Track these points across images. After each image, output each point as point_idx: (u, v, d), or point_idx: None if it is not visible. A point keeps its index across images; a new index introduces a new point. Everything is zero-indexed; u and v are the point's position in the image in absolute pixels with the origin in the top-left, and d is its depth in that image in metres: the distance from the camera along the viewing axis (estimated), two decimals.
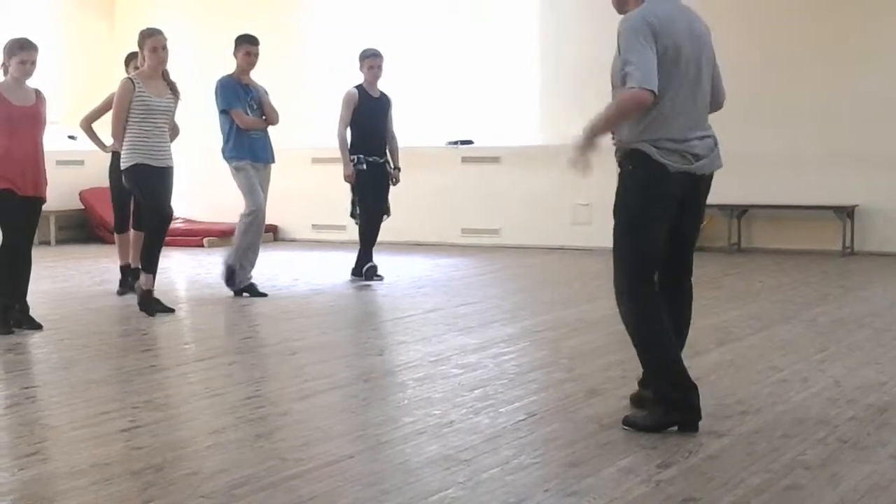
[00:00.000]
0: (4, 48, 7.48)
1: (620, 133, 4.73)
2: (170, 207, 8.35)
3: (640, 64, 4.49)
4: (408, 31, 13.86)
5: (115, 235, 9.70)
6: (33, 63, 7.47)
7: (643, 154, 4.63)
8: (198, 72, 12.68)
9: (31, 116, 7.48)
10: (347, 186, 10.05)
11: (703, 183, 4.81)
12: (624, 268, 4.75)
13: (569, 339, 7.12)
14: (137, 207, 8.88)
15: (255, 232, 9.10)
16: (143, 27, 8.44)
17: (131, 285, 9.18)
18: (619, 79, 4.58)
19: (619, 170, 4.79)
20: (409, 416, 5.10)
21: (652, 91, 4.48)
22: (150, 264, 8.23)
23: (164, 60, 8.18)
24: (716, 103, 4.91)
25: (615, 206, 4.80)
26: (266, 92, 9.33)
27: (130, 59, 9.30)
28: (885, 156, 11.65)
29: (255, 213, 9.02)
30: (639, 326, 4.71)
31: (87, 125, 9.45)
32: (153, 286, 8.23)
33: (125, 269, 9.44)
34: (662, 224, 4.69)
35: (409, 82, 13.30)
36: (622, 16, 4.70)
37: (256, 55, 9.22)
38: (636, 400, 5.00)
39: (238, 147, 9.05)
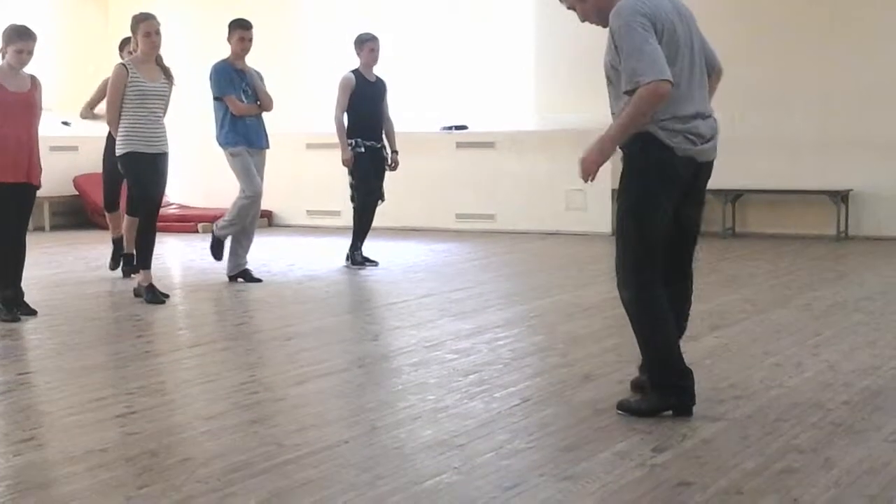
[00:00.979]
0: (3, 34, 7.45)
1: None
2: (162, 194, 8.37)
3: (647, 58, 4.40)
4: (402, 15, 13.84)
5: (107, 214, 9.82)
6: (30, 53, 7.44)
7: (650, 136, 4.57)
8: (192, 58, 12.67)
9: (25, 103, 7.46)
10: (342, 172, 10.04)
11: (704, 169, 4.79)
12: (626, 252, 4.71)
13: (563, 324, 7.13)
14: (130, 193, 8.90)
15: (251, 216, 9.10)
16: (136, 12, 8.42)
17: (126, 261, 9.28)
18: (628, 77, 4.46)
19: (623, 153, 4.73)
20: (404, 401, 5.11)
21: (668, 80, 4.39)
22: (147, 259, 8.24)
23: (157, 45, 8.16)
24: (711, 69, 4.84)
25: (620, 189, 4.75)
26: (261, 77, 9.31)
27: (124, 44, 9.29)
28: (880, 140, 11.67)
29: (252, 198, 9.03)
30: (639, 311, 4.70)
31: (89, 113, 9.50)
32: (151, 279, 8.24)
33: (118, 242, 9.57)
34: (667, 209, 4.67)
35: (404, 67, 13.30)
36: (613, 11, 4.61)
37: (250, 40, 9.19)
38: (636, 385, 4.99)
39: (232, 133, 9.04)
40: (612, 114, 4.73)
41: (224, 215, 9.31)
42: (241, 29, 9.17)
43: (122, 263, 9.50)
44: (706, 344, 6.22)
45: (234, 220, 9.09)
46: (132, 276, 8.92)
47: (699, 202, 4.90)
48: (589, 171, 4.59)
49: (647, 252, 4.66)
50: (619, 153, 4.73)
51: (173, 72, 8.35)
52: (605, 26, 4.67)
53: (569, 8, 4.92)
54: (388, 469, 4.06)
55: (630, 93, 4.47)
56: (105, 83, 8.78)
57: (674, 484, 3.85)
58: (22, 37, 7.40)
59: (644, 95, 4.42)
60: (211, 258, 9.44)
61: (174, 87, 8.35)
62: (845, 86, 11.77)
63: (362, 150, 9.86)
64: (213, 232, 9.37)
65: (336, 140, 9.94)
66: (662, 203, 4.64)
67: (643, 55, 4.43)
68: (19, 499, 3.81)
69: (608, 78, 4.67)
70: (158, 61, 8.23)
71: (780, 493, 3.75)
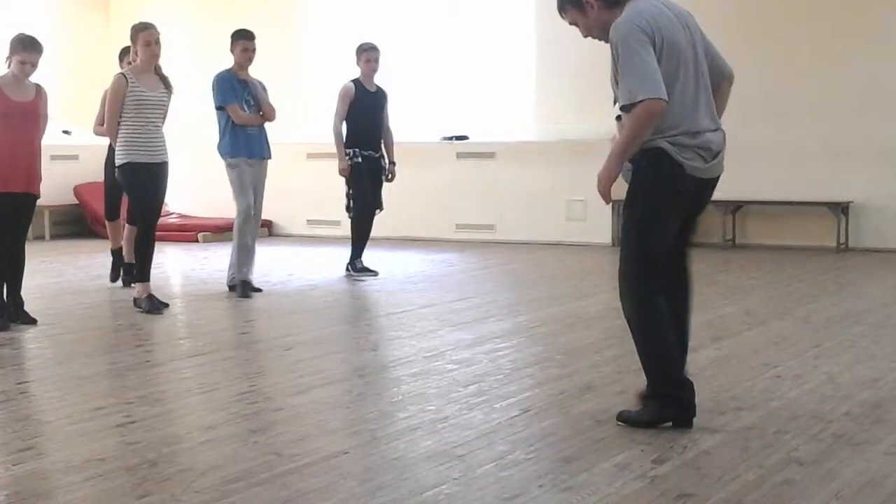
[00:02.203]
0: (10, 44, 7.45)
1: None
2: (160, 204, 8.37)
3: (644, 75, 4.41)
4: (403, 25, 13.87)
5: (107, 223, 9.80)
6: (34, 65, 7.45)
7: (660, 151, 4.56)
8: (193, 66, 12.68)
9: (28, 112, 7.46)
10: (342, 182, 10.05)
11: (712, 183, 4.79)
12: (630, 263, 4.71)
13: (564, 335, 7.12)
14: (130, 202, 8.90)
15: (250, 230, 9.09)
16: (136, 21, 8.43)
17: (126, 271, 9.27)
18: (623, 95, 4.49)
19: (632, 167, 4.73)
20: (404, 411, 5.11)
21: (662, 99, 4.42)
22: (145, 271, 8.24)
23: (156, 55, 8.17)
24: (721, 75, 4.83)
25: (626, 202, 4.75)
26: (264, 87, 9.30)
27: (124, 54, 9.30)
28: (881, 151, 11.67)
29: (245, 214, 9.00)
30: (640, 322, 4.70)
31: (101, 129, 9.35)
32: (150, 290, 8.24)
33: (117, 254, 9.56)
34: (672, 224, 4.67)
35: (405, 77, 13.32)
36: (612, 25, 4.61)
37: (254, 50, 9.20)
38: (644, 397, 4.95)
39: (234, 143, 9.03)
40: (619, 125, 4.73)
41: (230, 254, 9.22)
42: (244, 39, 9.18)
43: (122, 273, 9.49)
44: (706, 355, 6.22)
45: (238, 254, 9.03)
46: (132, 285, 8.90)
47: (701, 212, 4.91)
48: (604, 192, 4.62)
49: (651, 264, 4.66)
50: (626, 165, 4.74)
51: (173, 81, 8.35)
52: (607, 41, 4.67)
53: (571, 23, 4.92)
54: (388, 480, 4.05)
55: (626, 109, 4.49)
56: (106, 96, 8.79)
57: (674, 496, 3.85)
58: (27, 48, 7.40)
59: (638, 114, 4.44)
60: (236, 293, 9.05)
61: (173, 97, 8.35)
62: (846, 97, 11.77)
63: (360, 160, 9.87)
64: (236, 280, 9.06)
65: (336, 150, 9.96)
66: (668, 217, 4.65)
67: (638, 73, 4.44)
68: None
69: (614, 92, 4.67)
70: (157, 71, 8.24)
71: None
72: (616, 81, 4.60)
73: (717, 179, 4.80)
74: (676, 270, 4.84)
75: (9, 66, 7.47)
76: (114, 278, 9.65)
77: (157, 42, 8.16)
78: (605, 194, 4.62)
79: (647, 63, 4.44)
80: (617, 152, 4.57)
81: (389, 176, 10.12)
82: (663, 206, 4.62)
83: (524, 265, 11.26)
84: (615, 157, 4.57)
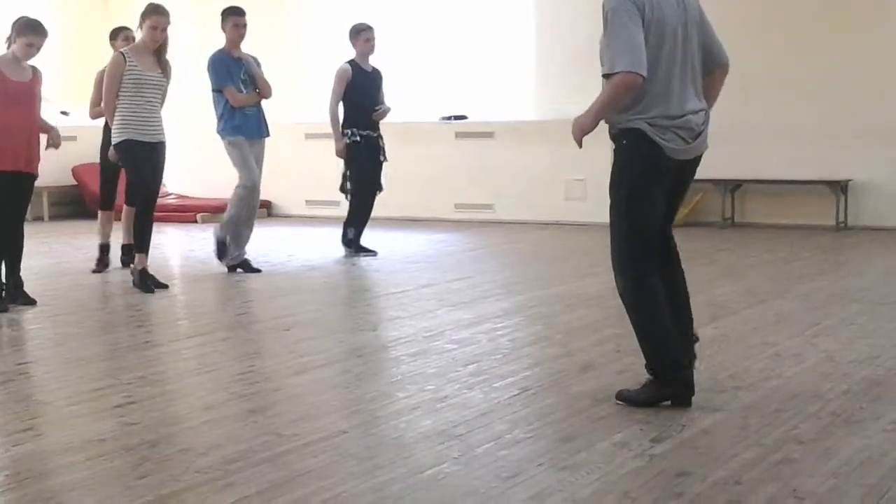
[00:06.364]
0: (14, 24, 7.43)
1: (613, 115, 4.69)
2: (159, 183, 8.36)
3: (627, 47, 4.44)
4: (401, 5, 13.81)
5: (100, 212, 9.60)
6: (39, 49, 7.45)
7: (638, 131, 4.59)
8: (192, 47, 12.62)
9: (26, 92, 7.45)
10: (341, 162, 10.05)
11: (694, 161, 4.80)
12: (621, 244, 4.74)
13: (563, 315, 7.13)
14: (129, 182, 8.85)
15: (250, 207, 9.09)
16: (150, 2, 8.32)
17: (125, 251, 9.18)
18: (606, 62, 4.53)
19: (613, 146, 4.76)
20: (403, 391, 5.11)
21: (640, 74, 4.45)
22: (144, 243, 8.24)
23: (159, 41, 8.10)
24: (716, 62, 4.82)
25: (611, 183, 4.78)
26: (258, 63, 9.27)
27: (116, 33, 9.26)
28: (880, 130, 11.65)
29: (248, 188, 9.01)
30: (634, 301, 4.71)
31: (96, 113, 9.25)
32: (147, 264, 8.24)
33: (104, 248, 9.40)
34: (658, 200, 4.68)
35: (403, 57, 13.28)
36: None
37: (245, 26, 9.18)
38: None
39: (233, 124, 9.02)
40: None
41: (224, 213, 9.25)
42: (234, 16, 9.16)
43: (121, 253, 9.42)
44: (705, 334, 6.19)
45: (233, 214, 9.06)
46: (131, 265, 8.89)
47: (684, 191, 4.93)
48: (576, 139, 4.71)
49: (641, 242, 4.68)
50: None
51: (172, 61, 8.31)
52: None
53: None
54: (387, 459, 4.06)
55: (606, 76, 4.51)
56: (100, 76, 8.75)
57: (672, 474, 3.86)
58: (35, 31, 7.40)
59: (615, 84, 4.50)
60: (214, 255, 9.29)
61: (172, 79, 8.31)
62: (844, 75, 11.75)
63: (358, 139, 9.87)
64: (214, 236, 9.24)
65: None
66: (653, 195, 4.67)
67: (622, 44, 4.47)
68: (18, 489, 3.82)
69: (601, 57, 4.67)
70: (159, 54, 8.18)
71: (778, 483, 3.75)
72: (603, 52, 4.61)
73: (699, 158, 4.81)
74: (665, 255, 4.84)
75: (8, 46, 7.45)
76: (97, 270, 9.31)
77: (164, 30, 8.07)
78: (578, 141, 4.71)
79: (633, 36, 4.47)
80: (593, 112, 4.64)
81: (379, 112, 10.02)
82: (646, 185, 4.64)
83: (523, 245, 11.26)
84: (591, 115, 4.64)
